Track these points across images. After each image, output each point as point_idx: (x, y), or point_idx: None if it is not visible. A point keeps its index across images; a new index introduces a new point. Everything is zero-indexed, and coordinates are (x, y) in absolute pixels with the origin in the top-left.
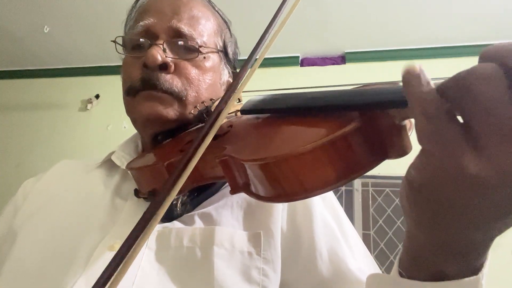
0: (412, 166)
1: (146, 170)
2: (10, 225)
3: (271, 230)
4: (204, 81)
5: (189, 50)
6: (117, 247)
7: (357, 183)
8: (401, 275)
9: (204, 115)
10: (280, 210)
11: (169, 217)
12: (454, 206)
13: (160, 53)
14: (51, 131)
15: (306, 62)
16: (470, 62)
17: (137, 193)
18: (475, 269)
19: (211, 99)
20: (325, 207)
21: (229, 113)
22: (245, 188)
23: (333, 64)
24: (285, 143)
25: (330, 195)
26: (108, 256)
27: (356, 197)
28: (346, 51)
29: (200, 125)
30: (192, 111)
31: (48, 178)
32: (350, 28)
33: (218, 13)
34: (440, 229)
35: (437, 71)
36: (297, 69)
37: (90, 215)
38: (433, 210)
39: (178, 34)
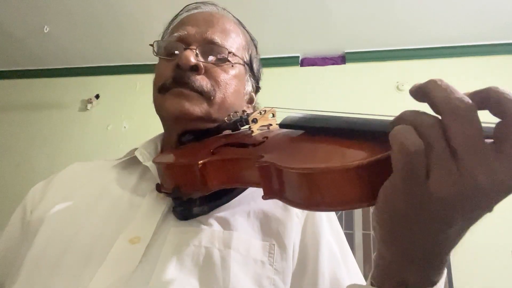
0: (381, 192)
1: (178, 166)
2: (26, 229)
3: (284, 244)
4: (231, 86)
5: (219, 58)
6: (136, 240)
7: None
8: (372, 284)
9: (238, 125)
10: (295, 227)
11: (187, 216)
12: (406, 222)
13: (193, 56)
14: (51, 131)
15: (306, 62)
16: (470, 62)
17: (159, 187)
18: (433, 283)
19: (243, 111)
20: (331, 233)
21: (261, 125)
22: (279, 194)
23: (333, 64)
24: (331, 157)
25: (336, 222)
26: (129, 249)
27: None
28: (346, 51)
29: (229, 132)
30: (226, 119)
31: (61, 178)
32: (350, 28)
33: (247, 31)
34: (397, 242)
35: (437, 71)
36: (297, 69)
37: (108, 211)
38: (392, 227)
39: (211, 43)
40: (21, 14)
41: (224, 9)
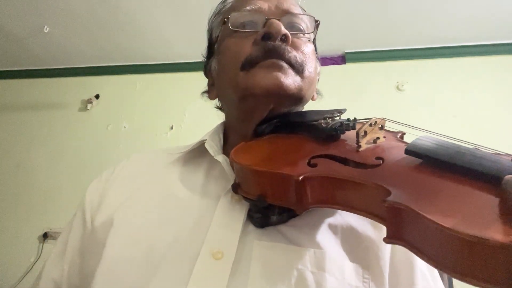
0: None
1: (269, 174)
2: (90, 239)
3: (380, 268)
4: (313, 61)
5: (298, 29)
6: (219, 256)
7: None
8: None
9: (338, 132)
10: (388, 251)
11: (264, 224)
12: None
13: (282, 24)
14: (51, 131)
15: None
16: (470, 62)
17: (235, 188)
18: None
19: (339, 111)
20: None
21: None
22: (408, 242)
23: (333, 64)
24: (493, 224)
25: None
26: (214, 265)
27: None
28: (346, 51)
29: (321, 137)
30: (322, 121)
31: (120, 175)
32: (350, 28)
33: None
34: None
35: (437, 71)
36: None
37: (178, 216)
38: None
39: (289, 13)
40: (21, 14)
41: None
